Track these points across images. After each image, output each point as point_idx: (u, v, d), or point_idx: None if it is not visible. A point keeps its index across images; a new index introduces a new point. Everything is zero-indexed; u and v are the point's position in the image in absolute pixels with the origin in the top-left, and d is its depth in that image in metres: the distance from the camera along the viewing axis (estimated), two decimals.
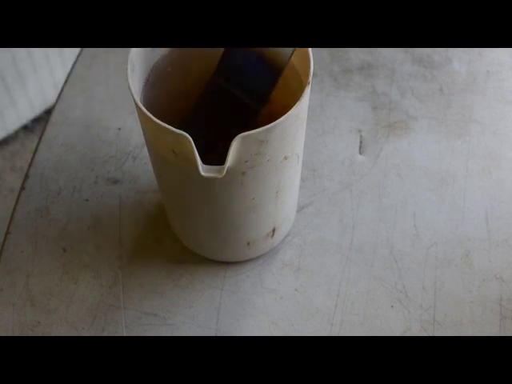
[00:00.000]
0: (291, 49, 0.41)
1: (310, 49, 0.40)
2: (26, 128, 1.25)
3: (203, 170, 0.38)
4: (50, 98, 1.22)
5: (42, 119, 1.25)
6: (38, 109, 1.23)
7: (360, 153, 0.57)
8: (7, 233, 0.53)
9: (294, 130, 0.40)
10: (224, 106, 0.44)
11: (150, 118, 0.37)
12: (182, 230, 0.50)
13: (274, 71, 0.42)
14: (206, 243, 0.49)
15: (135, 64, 0.41)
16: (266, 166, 0.40)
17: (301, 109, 0.39)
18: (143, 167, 0.56)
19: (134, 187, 0.55)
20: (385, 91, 0.60)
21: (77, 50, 0.67)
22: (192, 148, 0.36)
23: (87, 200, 0.55)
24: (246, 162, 0.39)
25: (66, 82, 0.62)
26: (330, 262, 0.51)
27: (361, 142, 0.57)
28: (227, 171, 0.38)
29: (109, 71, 0.62)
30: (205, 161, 0.38)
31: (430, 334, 0.48)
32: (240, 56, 0.43)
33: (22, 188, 0.56)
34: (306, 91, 0.39)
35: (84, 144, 0.58)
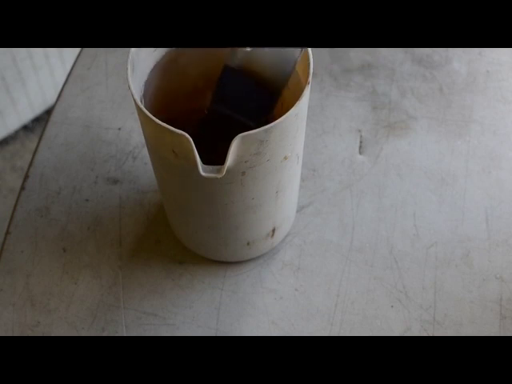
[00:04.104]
0: (289, 71, 0.41)
1: (309, 49, 0.40)
2: (26, 128, 1.25)
3: (203, 170, 0.38)
4: (50, 97, 1.22)
5: (42, 119, 1.25)
6: (37, 109, 1.23)
7: (360, 153, 0.57)
8: (7, 233, 0.53)
9: (293, 130, 0.40)
10: (225, 131, 0.43)
11: (150, 118, 0.37)
12: (182, 230, 0.50)
13: (273, 96, 0.42)
14: (206, 243, 0.49)
15: (135, 64, 0.41)
16: (266, 166, 0.40)
17: (300, 109, 0.39)
18: (143, 167, 0.56)
19: (134, 187, 0.55)
20: (385, 91, 0.60)
21: (77, 50, 0.67)
22: (192, 148, 0.36)
23: (87, 200, 0.55)
24: (245, 162, 0.39)
25: (65, 81, 0.62)
26: (330, 262, 0.51)
27: (361, 142, 0.57)
28: (227, 171, 0.38)
29: (109, 71, 0.62)
30: (205, 161, 0.38)
31: (430, 334, 0.48)
32: (237, 82, 0.42)
33: (22, 188, 0.56)
34: (305, 91, 0.39)
35: (84, 144, 0.58)
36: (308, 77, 0.39)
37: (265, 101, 0.43)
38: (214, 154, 0.39)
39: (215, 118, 0.43)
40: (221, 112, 0.43)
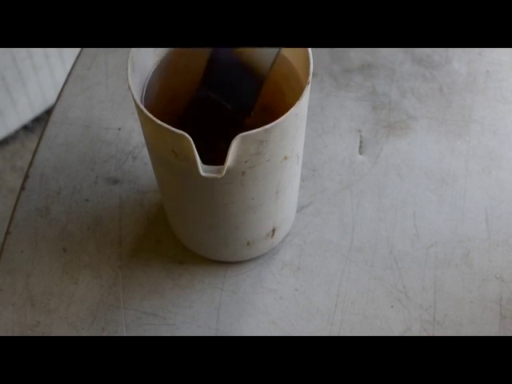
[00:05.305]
0: (273, 57, 0.41)
1: (309, 49, 0.40)
2: (26, 128, 1.25)
3: (203, 170, 0.38)
4: (50, 97, 1.22)
5: (42, 119, 1.25)
6: (37, 109, 1.23)
7: (360, 153, 0.57)
8: (7, 233, 0.53)
9: (293, 130, 0.40)
10: (210, 116, 0.43)
11: (150, 118, 0.37)
12: (182, 230, 0.50)
13: (257, 81, 0.42)
14: (206, 243, 0.49)
15: (135, 64, 0.41)
16: (266, 166, 0.40)
17: (300, 109, 0.39)
18: (143, 167, 0.56)
19: (134, 187, 0.55)
20: (385, 91, 0.60)
21: (77, 50, 0.67)
22: (192, 148, 0.36)
23: (87, 200, 0.55)
24: (245, 162, 0.39)
25: (65, 81, 0.62)
26: (330, 262, 0.51)
27: (361, 142, 0.57)
28: (227, 171, 0.38)
29: (109, 71, 0.62)
30: (205, 161, 0.38)
31: (430, 334, 0.48)
32: (224, 68, 0.43)
33: (22, 188, 0.56)
34: (305, 91, 0.39)
35: (84, 144, 0.58)
36: (308, 77, 0.39)
37: (252, 85, 0.42)
38: (214, 154, 0.39)
39: (202, 103, 0.43)
40: (206, 96, 0.43)
